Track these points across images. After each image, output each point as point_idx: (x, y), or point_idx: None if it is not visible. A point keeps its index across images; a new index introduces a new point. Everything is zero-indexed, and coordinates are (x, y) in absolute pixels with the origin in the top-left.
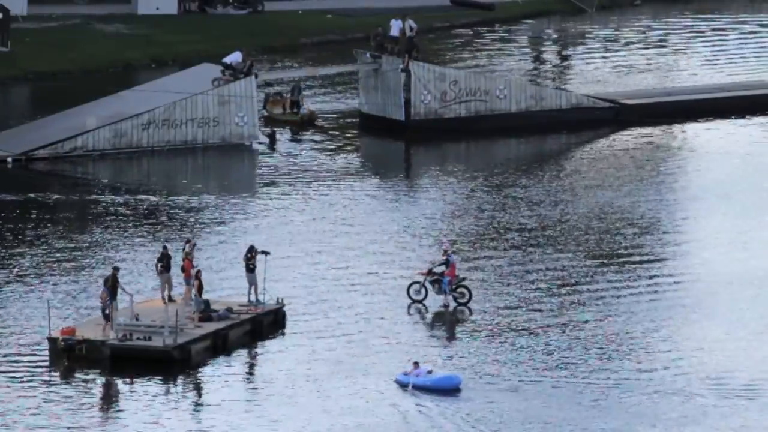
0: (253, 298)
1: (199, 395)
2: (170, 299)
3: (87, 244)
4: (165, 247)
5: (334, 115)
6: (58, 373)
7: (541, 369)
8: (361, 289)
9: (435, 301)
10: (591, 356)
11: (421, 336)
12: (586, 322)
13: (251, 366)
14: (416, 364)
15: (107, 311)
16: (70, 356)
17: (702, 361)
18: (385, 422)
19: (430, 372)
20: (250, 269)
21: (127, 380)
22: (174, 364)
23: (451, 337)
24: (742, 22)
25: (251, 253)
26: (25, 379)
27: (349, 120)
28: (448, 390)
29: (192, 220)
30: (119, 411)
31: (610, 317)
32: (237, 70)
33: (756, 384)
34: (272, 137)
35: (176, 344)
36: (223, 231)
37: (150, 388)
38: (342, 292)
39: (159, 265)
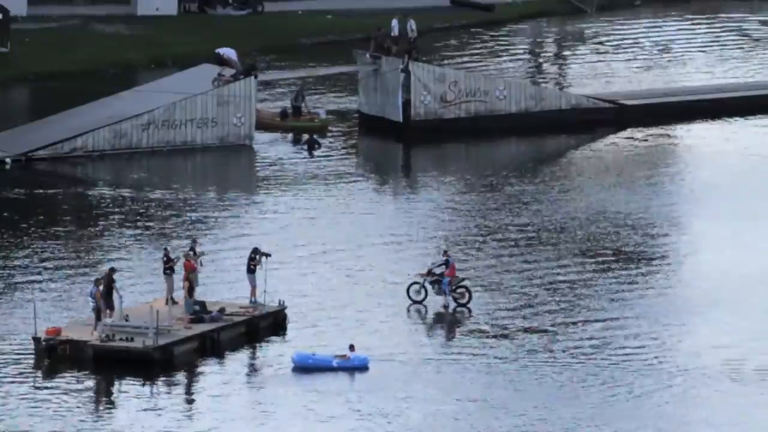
0: (253, 299)
1: (173, 396)
2: (170, 301)
3: (85, 245)
4: (166, 249)
5: (334, 116)
6: (39, 373)
7: (540, 370)
8: (360, 290)
9: (435, 302)
10: (591, 356)
11: (421, 336)
12: (584, 322)
13: (238, 368)
14: (352, 347)
15: (102, 311)
16: (52, 356)
17: (701, 360)
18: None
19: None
20: (251, 270)
21: (102, 381)
22: (154, 365)
23: (451, 337)
24: (742, 22)
25: (254, 255)
26: (7, 379)
27: (348, 121)
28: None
29: (192, 220)
30: (91, 413)
31: (610, 317)
32: (237, 71)
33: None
34: (311, 143)
35: (156, 345)
36: (222, 232)
37: (128, 389)
38: (341, 293)
39: (165, 267)
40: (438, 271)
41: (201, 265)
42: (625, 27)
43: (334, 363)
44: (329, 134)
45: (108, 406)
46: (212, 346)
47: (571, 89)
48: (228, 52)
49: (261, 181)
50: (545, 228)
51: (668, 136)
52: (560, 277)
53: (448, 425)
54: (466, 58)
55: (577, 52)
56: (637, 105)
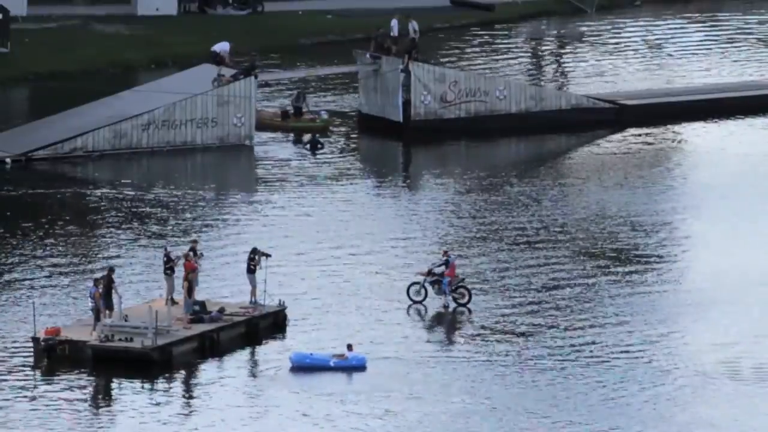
0: (253, 299)
1: (172, 396)
2: (172, 301)
3: (85, 245)
4: (166, 249)
5: (334, 116)
6: (38, 373)
7: (539, 370)
8: (360, 290)
9: (435, 302)
10: (590, 356)
11: (420, 336)
12: (583, 322)
13: (237, 368)
14: (350, 347)
15: (101, 311)
16: (50, 356)
17: (700, 359)
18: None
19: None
20: (251, 270)
21: (101, 381)
22: (153, 365)
23: (451, 337)
24: (741, 22)
25: (254, 255)
26: (6, 378)
27: (348, 121)
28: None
29: (191, 220)
30: (89, 413)
31: (610, 317)
32: (237, 72)
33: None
34: (313, 144)
35: (155, 346)
36: (221, 232)
37: (127, 389)
38: (341, 293)
39: (165, 267)
40: (438, 271)
41: (199, 265)
42: (625, 27)
43: (332, 363)
44: (328, 134)
45: (107, 406)
46: (211, 347)
47: (571, 89)
48: (222, 47)
49: (261, 181)
50: (545, 228)
51: (668, 136)
52: (560, 277)
53: (447, 425)
54: (465, 58)
55: (577, 52)
56: (637, 105)
